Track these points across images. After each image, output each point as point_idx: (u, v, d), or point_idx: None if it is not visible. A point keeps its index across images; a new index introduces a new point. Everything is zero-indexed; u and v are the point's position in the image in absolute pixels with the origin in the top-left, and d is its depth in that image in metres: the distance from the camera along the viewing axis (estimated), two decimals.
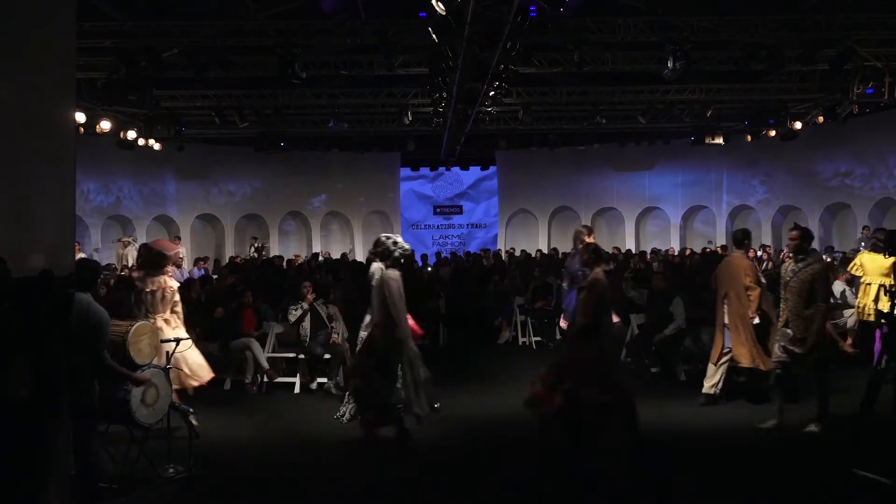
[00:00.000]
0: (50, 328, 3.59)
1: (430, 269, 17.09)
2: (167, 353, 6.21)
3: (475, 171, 23.92)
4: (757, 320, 7.38)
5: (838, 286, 10.22)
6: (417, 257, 17.53)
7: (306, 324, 9.10)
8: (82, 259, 5.84)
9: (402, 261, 6.93)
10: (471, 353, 11.53)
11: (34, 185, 4.23)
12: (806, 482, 5.59)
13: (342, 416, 7.16)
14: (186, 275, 15.87)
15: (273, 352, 9.42)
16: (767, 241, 19.69)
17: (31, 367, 3.64)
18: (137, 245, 15.43)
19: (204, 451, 6.12)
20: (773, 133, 18.19)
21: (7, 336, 3.62)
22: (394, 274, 6.67)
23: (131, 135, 16.52)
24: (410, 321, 6.95)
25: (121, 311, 6.74)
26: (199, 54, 11.79)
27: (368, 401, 6.66)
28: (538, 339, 12.41)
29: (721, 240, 20.75)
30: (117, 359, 5.26)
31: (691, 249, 18.55)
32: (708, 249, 18.10)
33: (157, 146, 17.98)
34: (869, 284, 8.79)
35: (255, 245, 19.11)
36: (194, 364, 7.32)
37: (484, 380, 9.58)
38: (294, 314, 9.27)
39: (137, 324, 5.76)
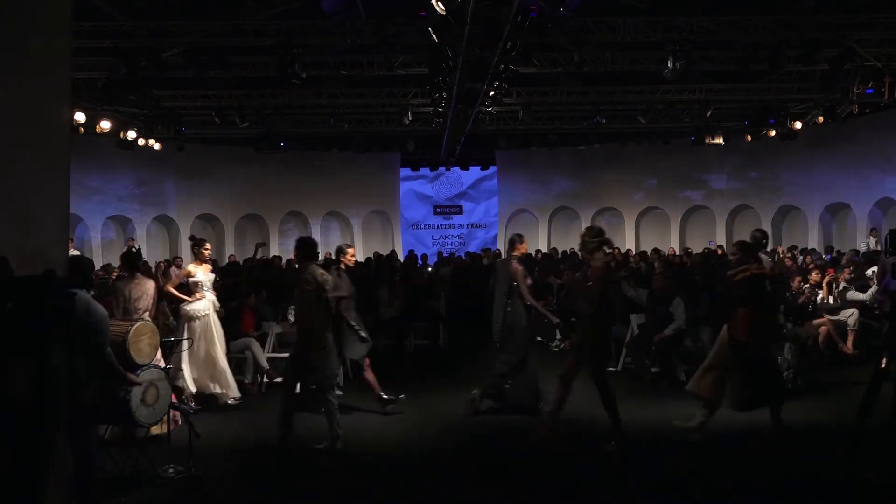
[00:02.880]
0: (53, 328, 3.59)
1: (430, 269, 17.07)
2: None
3: (475, 171, 23.91)
4: None
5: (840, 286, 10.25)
6: (417, 257, 17.55)
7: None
8: (76, 256, 5.83)
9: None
10: (471, 353, 11.52)
11: (29, 184, 4.23)
12: (806, 482, 5.58)
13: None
14: None
15: (273, 352, 9.42)
16: (769, 242, 19.67)
17: (33, 367, 3.64)
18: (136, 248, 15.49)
19: (204, 451, 6.12)
20: (773, 133, 18.19)
21: (11, 336, 3.62)
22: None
23: (131, 135, 16.51)
24: None
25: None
26: (199, 54, 11.80)
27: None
28: (538, 338, 12.39)
29: (721, 240, 20.75)
30: (117, 359, 5.26)
31: (691, 249, 18.56)
32: (706, 250, 18.11)
33: (157, 146, 17.98)
34: None
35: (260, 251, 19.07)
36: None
37: (484, 380, 9.55)
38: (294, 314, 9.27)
39: (138, 324, 5.77)
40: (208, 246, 8.23)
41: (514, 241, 7.84)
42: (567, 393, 6.60)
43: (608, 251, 6.76)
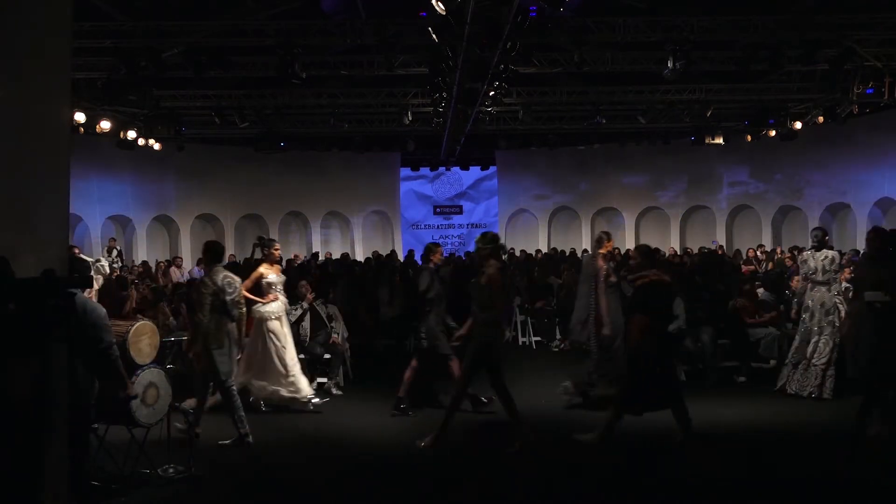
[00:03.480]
0: (55, 328, 3.59)
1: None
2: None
3: (475, 171, 23.91)
4: None
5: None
6: (417, 257, 17.54)
7: (306, 324, 9.09)
8: (73, 257, 5.83)
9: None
10: None
11: (29, 184, 4.22)
12: (806, 482, 5.59)
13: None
14: (186, 275, 15.92)
15: None
16: (767, 241, 19.69)
17: (34, 367, 3.64)
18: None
19: (204, 452, 6.12)
20: (773, 133, 18.19)
21: (11, 337, 3.62)
22: None
23: (131, 135, 16.51)
24: None
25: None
26: (199, 54, 11.79)
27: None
28: (538, 339, 12.42)
29: (721, 240, 20.76)
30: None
31: (691, 249, 18.57)
32: (707, 249, 18.13)
33: (157, 146, 17.98)
34: None
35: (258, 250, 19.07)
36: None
37: (484, 380, 9.54)
38: (294, 314, 9.26)
39: (138, 324, 5.77)
40: (278, 246, 8.07)
41: (602, 239, 7.88)
42: (462, 396, 6.71)
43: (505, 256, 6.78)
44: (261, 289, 7.80)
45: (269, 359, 7.65)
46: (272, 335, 7.69)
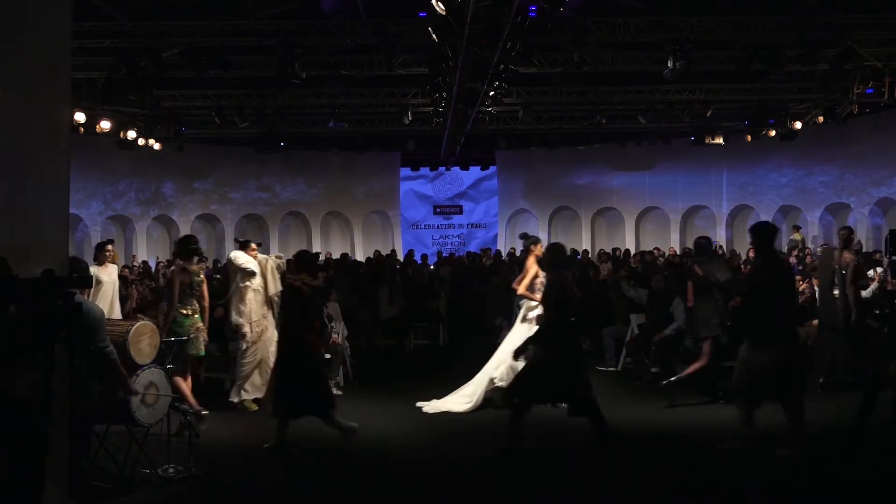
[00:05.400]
0: (59, 329, 3.59)
1: (430, 268, 17.07)
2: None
3: (475, 171, 23.90)
4: None
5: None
6: (417, 257, 17.55)
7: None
8: (71, 258, 5.83)
9: None
10: (471, 353, 11.51)
11: (29, 184, 4.23)
12: (805, 482, 5.59)
13: None
14: None
15: None
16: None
17: (37, 368, 3.64)
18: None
19: (204, 451, 6.12)
20: (773, 133, 18.18)
21: (14, 339, 3.62)
22: None
23: (131, 135, 16.51)
24: None
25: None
26: (199, 54, 11.79)
27: None
28: None
29: (722, 240, 20.75)
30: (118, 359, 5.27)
31: (691, 249, 18.52)
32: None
33: (157, 146, 17.97)
34: None
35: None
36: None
37: None
38: None
39: (138, 324, 5.76)
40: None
41: (847, 237, 8.05)
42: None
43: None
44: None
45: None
46: None
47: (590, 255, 18.95)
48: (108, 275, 8.07)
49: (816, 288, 9.93)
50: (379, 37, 11.53)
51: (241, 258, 8.03)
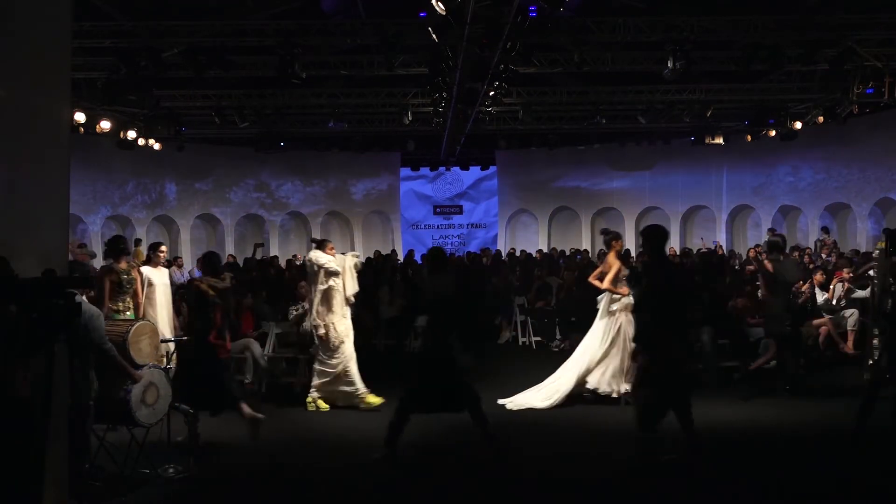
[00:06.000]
0: (61, 329, 3.59)
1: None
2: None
3: (475, 171, 23.91)
4: None
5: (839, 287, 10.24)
6: (417, 257, 17.55)
7: (306, 324, 9.09)
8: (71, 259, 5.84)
9: None
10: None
11: (29, 184, 4.23)
12: (805, 482, 5.59)
13: None
14: (187, 275, 15.91)
15: (273, 352, 9.42)
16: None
17: (37, 368, 3.64)
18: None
19: (204, 452, 6.12)
20: (773, 133, 18.18)
21: (14, 339, 3.62)
22: None
23: (131, 135, 16.50)
24: None
25: None
26: (199, 54, 11.78)
27: None
28: (538, 338, 12.41)
29: (722, 240, 20.74)
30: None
31: (691, 249, 18.54)
32: (704, 248, 18.14)
33: (157, 146, 17.97)
34: None
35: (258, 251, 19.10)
36: None
37: (484, 379, 9.54)
38: (294, 314, 9.27)
39: (138, 324, 5.77)
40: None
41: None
42: None
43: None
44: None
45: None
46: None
47: (590, 255, 18.95)
48: (160, 277, 7.84)
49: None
50: (379, 37, 11.52)
51: (323, 258, 7.77)
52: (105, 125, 15.54)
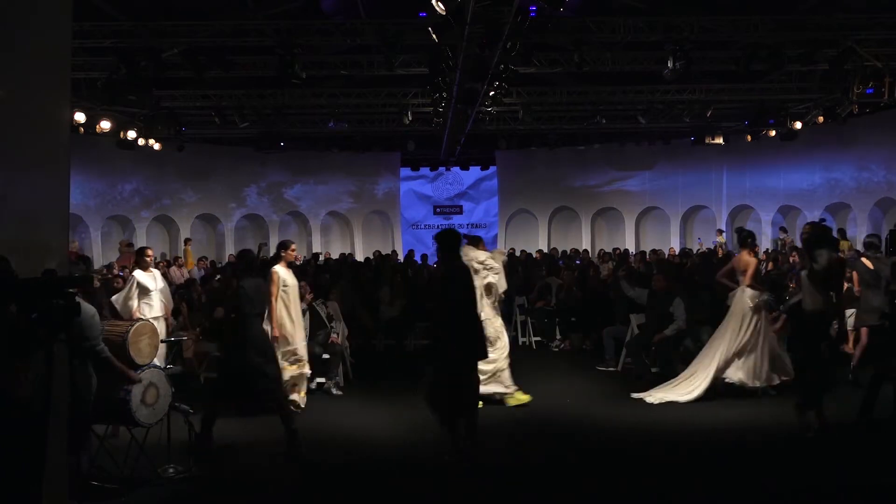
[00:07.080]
0: (57, 330, 3.59)
1: (431, 268, 17.05)
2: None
3: (475, 171, 23.92)
4: None
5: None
6: (417, 257, 17.54)
7: (306, 324, 9.08)
8: (82, 256, 5.86)
9: None
10: None
11: (29, 184, 4.23)
12: (805, 482, 5.59)
13: None
14: (186, 275, 15.92)
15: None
16: (767, 241, 19.68)
17: (37, 368, 3.64)
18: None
19: (203, 452, 6.12)
20: (773, 133, 18.18)
21: (14, 339, 3.62)
22: None
23: (131, 135, 16.51)
24: None
25: None
26: (199, 54, 11.79)
27: None
28: (538, 338, 12.40)
29: (722, 240, 20.73)
30: (117, 359, 5.27)
31: (691, 249, 18.55)
32: (703, 248, 18.16)
33: (157, 146, 17.98)
34: None
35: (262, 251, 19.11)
36: None
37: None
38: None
39: (138, 324, 5.77)
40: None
41: None
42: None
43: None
44: None
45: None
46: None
47: (590, 255, 18.95)
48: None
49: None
50: (379, 37, 11.52)
51: (481, 255, 7.64)
52: (105, 125, 15.54)
